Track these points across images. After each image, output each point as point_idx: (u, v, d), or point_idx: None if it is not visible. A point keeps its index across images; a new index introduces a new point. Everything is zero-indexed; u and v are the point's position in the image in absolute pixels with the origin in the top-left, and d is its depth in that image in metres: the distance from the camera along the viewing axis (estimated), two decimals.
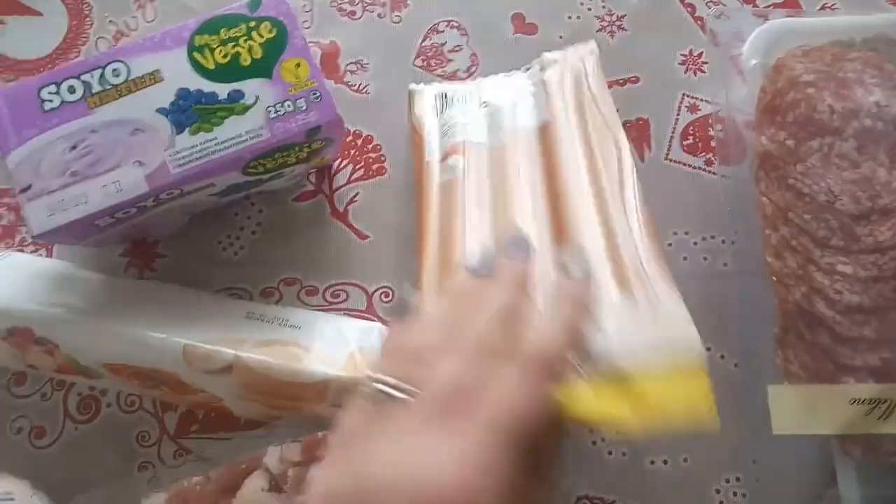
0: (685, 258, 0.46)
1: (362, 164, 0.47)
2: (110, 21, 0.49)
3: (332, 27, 0.49)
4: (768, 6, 0.51)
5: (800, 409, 0.38)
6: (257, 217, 0.46)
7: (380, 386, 0.27)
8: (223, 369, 0.39)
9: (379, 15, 0.50)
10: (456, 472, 0.24)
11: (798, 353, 0.40)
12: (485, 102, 0.45)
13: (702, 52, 0.50)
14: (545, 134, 0.43)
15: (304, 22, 0.50)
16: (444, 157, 0.43)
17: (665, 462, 0.43)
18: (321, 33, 0.50)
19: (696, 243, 0.46)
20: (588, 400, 0.28)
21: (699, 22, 0.51)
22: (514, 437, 0.25)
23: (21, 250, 0.45)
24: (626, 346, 0.32)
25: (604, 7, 0.51)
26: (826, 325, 0.39)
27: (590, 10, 0.51)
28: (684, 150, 0.48)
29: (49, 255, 0.45)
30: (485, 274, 0.32)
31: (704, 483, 0.42)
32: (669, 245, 0.46)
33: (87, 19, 0.49)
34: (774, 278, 0.41)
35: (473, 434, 0.25)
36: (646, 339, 0.33)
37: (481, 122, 0.44)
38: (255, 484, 0.37)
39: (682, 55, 0.50)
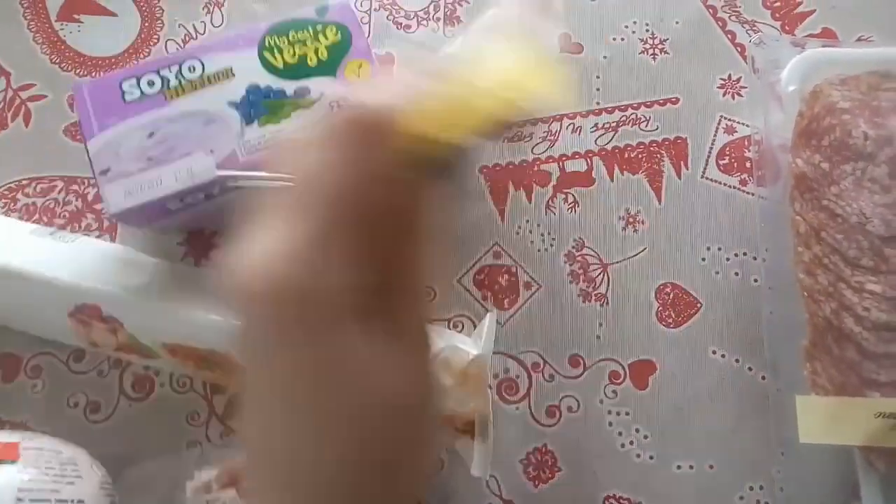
0: (717, 273, 0.48)
1: None
2: (180, 25, 0.52)
3: (387, 39, 0.52)
4: (806, 36, 0.53)
5: (826, 420, 0.40)
6: None
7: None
8: None
9: (433, 29, 0.53)
10: (266, 258, 0.22)
11: (825, 366, 0.41)
12: None
13: (740, 78, 0.52)
14: None
15: None
16: None
17: (691, 467, 0.44)
18: (377, 44, 0.52)
19: (728, 259, 0.48)
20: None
21: (739, 48, 0.53)
22: (333, 221, 0.22)
23: (87, 235, 0.48)
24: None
25: (647, 31, 0.53)
26: (853, 341, 0.41)
27: (634, 32, 0.53)
28: (720, 170, 0.50)
29: (113, 241, 0.48)
30: None
31: (728, 490, 0.44)
32: (703, 260, 0.48)
33: (158, 22, 0.52)
34: (805, 294, 0.42)
35: (291, 226, 0.22)
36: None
37: None
38: None
39: (721, 79, 0.52)
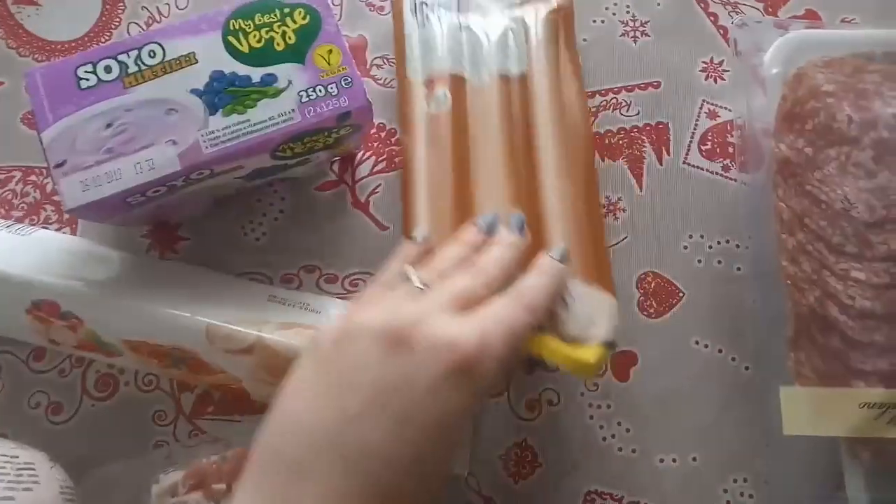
0: (700, 261, 0.47)
1: (385, 156, 0.48)
2: (143, 7, 0.50)
3: (360, 21, 0.50)
4: (790, 17, 0.52)
5: (811, 411, 0.39)
6: (280, 204, 0.47)
7: (407, 271, 0.35)
8: (245, 350, 0.39)
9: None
10: (474, 333, 0.31)
11: (810, 355, 0.40)
12: (467, 26, 0.48)
13: (723, 61, 0.51)
14: (524, 87, 0.46)
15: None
16: (429, 83, 0.46)
17: (674, 460, 0.43)
18: (350, 27, 0.50)
19: (710, 247, 0.47)
20: (543, 343, 0.36)
21: (721, 31, 0.51)
22: (508, 337, 0.32)
23: (46, 228, 0.46)
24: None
25: (628, 12, 0.52)
26: (838, 329, 0.40)
27: (614, 14, 0.52)
28: (702, 155, 0.49)
29: (73, 233, 0.46)
30: (489, 233, 0.39)
31: (712, 482, 0.43)
32: (685, 248, 0.47)
33: (121, 4, 0.50)
34: (789, 282, 0.41)
35: (482, 320, 0.32)
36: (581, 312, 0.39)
37: (464, 52, 0.47)
38: None
39: (703, 62, 0.51)
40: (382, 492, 0.28)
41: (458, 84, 0.46)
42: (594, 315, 0.38)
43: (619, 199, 0.48)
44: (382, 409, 0.29)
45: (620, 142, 0.49)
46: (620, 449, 0.43)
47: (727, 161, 0.48)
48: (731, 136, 0.49)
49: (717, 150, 0.49)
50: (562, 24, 0.48)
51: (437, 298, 0.33)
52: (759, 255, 0.45)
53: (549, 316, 0.37)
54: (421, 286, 0.34)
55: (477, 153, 0.45)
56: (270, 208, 0.47)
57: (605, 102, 0.50)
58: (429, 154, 0.44)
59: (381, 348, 0.30)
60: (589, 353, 0.36)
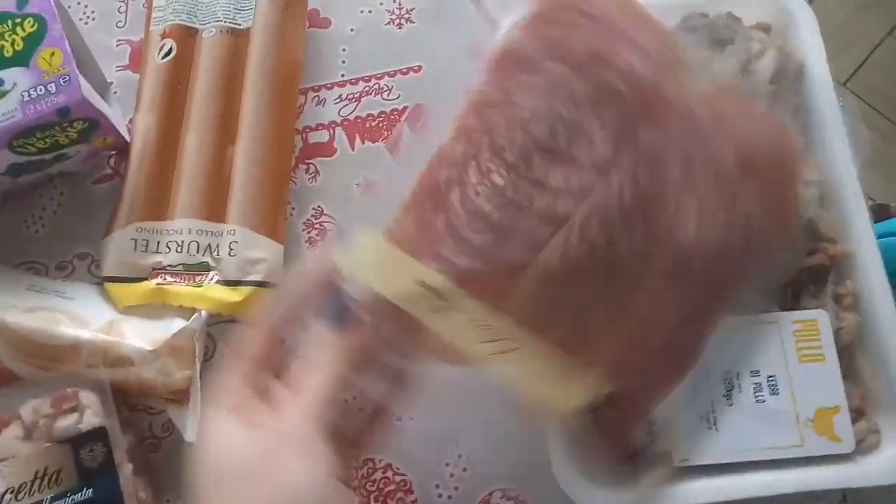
0: None
1: None
2: None
3: (144, 26, 0.53)
4: None
5: (377, 262, 0.37)
6: (59, 198, 0.51)
7: None
8: None
9: None
10: None
11: (413, 221, 0.35)
12: None
13: (486, 42, 0.53)
14: (246, 42, 0.50)
15: (118, 21, 0.55)
16: (164, 34, 0.50)
17: (411, 418, 0.46)
18: (133, 32, 0.54)
19: None
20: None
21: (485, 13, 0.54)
22: None
23: None
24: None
25: (395, 1, 0.55)
26: (449, 214, 0.33)
27: (382, 4, 0.55)
28: None
29: None
30: None
31: (446, 434, 0.46)
32: None
33: None
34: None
35: None
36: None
37: (199, 4, 0.51)
38: (10, 433, 0.42)
39: (466, 44, 0.53)
40: None
41: (187, 35, 0.50)
42: (258, 261, 0.46)
43: (378, 178, 0.51)
44: None
45: (381, 124, 0.52)
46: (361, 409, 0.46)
47: None
48: None
49: None
50: None
51: None
52: None
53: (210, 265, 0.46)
54: None
55: (194, 103, 0.49)
56: (50, 203, 0.50)
57: (368, 88, 0.53)
58: (149, 102, 0.49)
59: None
60: (237, 294, 0.44)
